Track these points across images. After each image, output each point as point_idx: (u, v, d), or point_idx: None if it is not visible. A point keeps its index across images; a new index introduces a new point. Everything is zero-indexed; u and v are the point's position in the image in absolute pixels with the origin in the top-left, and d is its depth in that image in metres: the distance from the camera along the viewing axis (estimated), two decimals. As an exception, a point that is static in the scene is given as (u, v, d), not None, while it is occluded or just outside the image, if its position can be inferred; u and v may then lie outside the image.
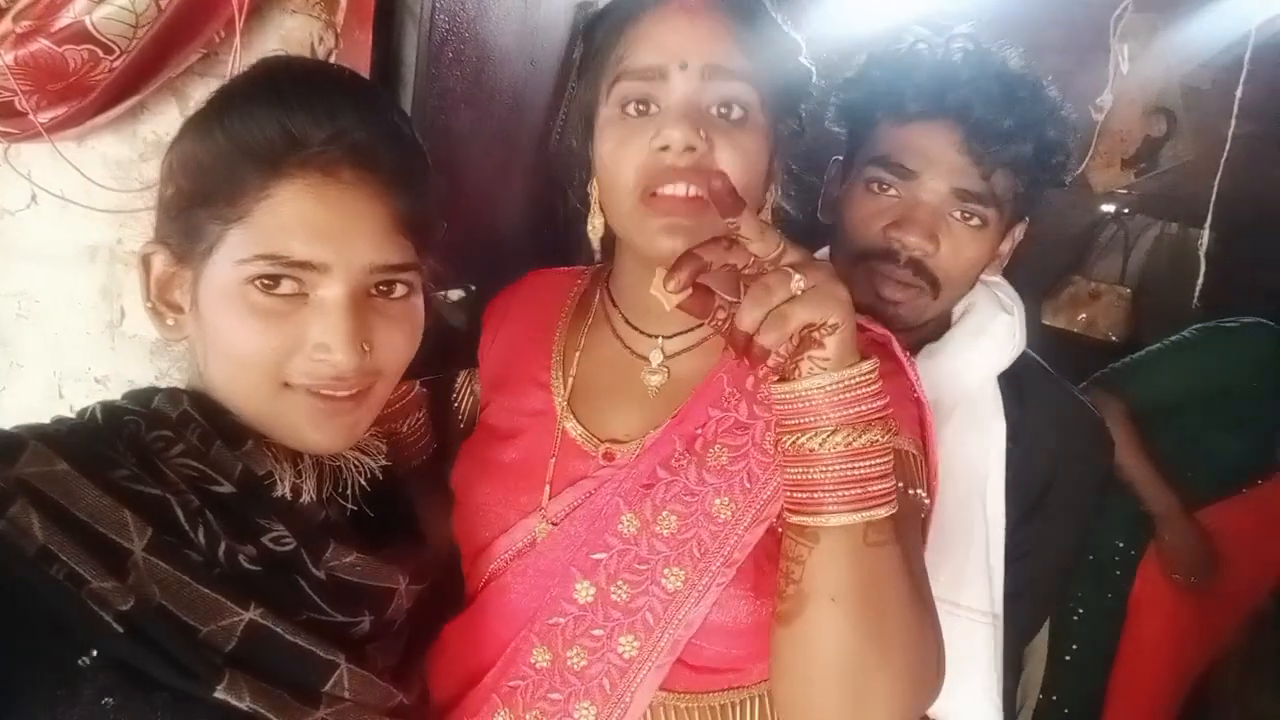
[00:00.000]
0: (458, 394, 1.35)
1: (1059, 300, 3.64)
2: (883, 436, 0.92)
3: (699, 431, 1.11)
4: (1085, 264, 3.75)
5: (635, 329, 1.20)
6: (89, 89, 1.29)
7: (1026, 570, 1.48)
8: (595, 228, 1.15)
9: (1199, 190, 3.15)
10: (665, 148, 1.02)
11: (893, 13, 2.88)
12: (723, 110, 1.05)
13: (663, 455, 1.11)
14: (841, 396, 0.90)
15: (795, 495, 0.94)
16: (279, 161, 0.88)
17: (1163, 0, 2.96)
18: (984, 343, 1.48)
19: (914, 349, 1.45)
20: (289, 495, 0.95)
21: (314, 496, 0.98)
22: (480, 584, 1.19)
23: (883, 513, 0.91)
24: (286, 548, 0.92)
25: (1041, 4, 2.97)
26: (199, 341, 0.95)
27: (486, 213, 1.87)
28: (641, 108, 1.05)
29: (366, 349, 0.92)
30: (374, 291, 0.94)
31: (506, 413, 1.24)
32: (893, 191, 1.38)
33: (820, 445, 0.91)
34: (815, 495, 0.91)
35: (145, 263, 0.95)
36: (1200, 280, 2.56)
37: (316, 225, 0.88)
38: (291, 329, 0.90)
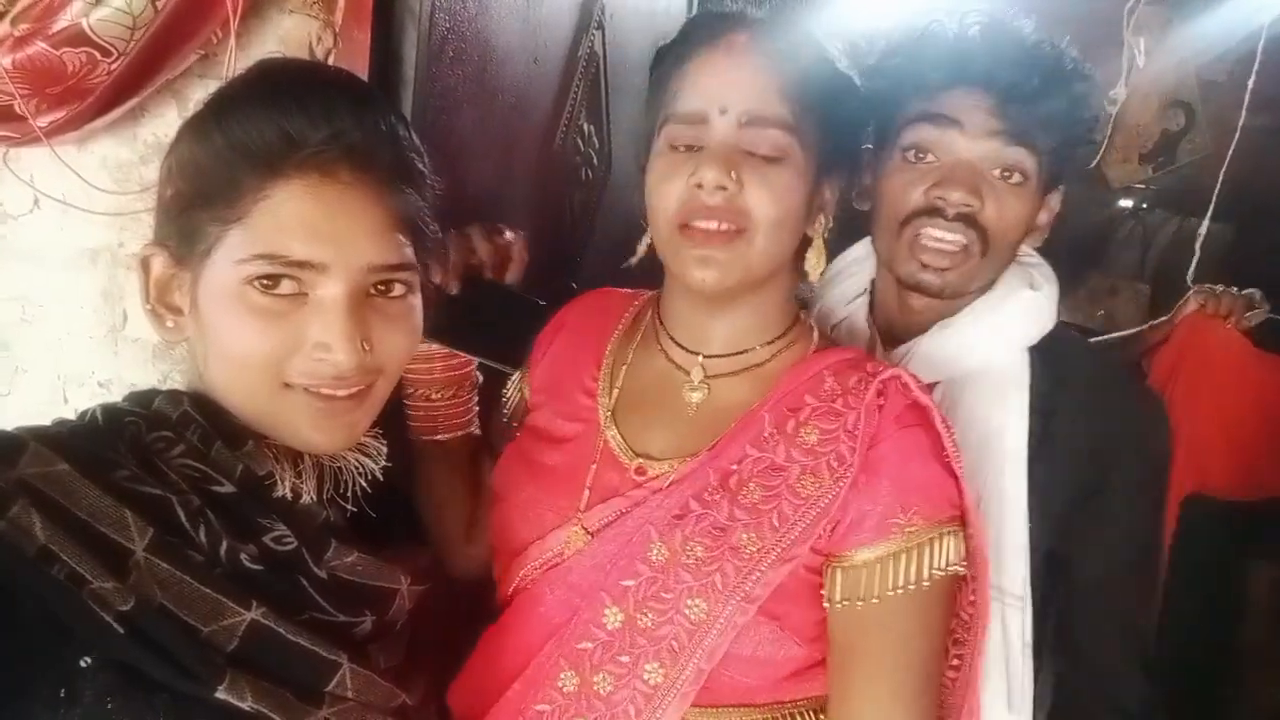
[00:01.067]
0: (508, 392, 1.38)
1: (1077, 297, 3.61)
2: None
3: (735, 468, 1.13)
4: (1103, 260, 3.72)
5: (678, 344, 1.24)
6: (88, 92, 1.29)
7: (1103, 558, 1.43)
8: (642, 245, 1.22)
9: (1216, 184, 3.11)
10: (700, 185, 1.09)
11: (905, 6, 2.88)
12: (762, 151, 1.10)
13: (697, 488, 1.12)
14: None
15: None
16: (277, 162, 0.89)
17: (1177, -7, 2.92)
18: (1001, 316, 1.46)
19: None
20: (289, 496, 0.95)
21: (314, 497, 0.98)
22: (510, 589, 1.21)
23: None
24: (288, 547, 0.92)
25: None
26: (198, 343, 0.95)
27: (490, 213, 1.86)
28: (690, 145, 1.12)
29: (366, 348, 0.93)
30: (373, 291, 0.95)
31: (553, 416, 1.28)
32: (930, 157, 1.40)
33: None
34: None
35: (144, 265, 0.95)
36: (1193, 267, 2.52)
37: (315, 225, 0.89)
38: (291, 329, 0.90)
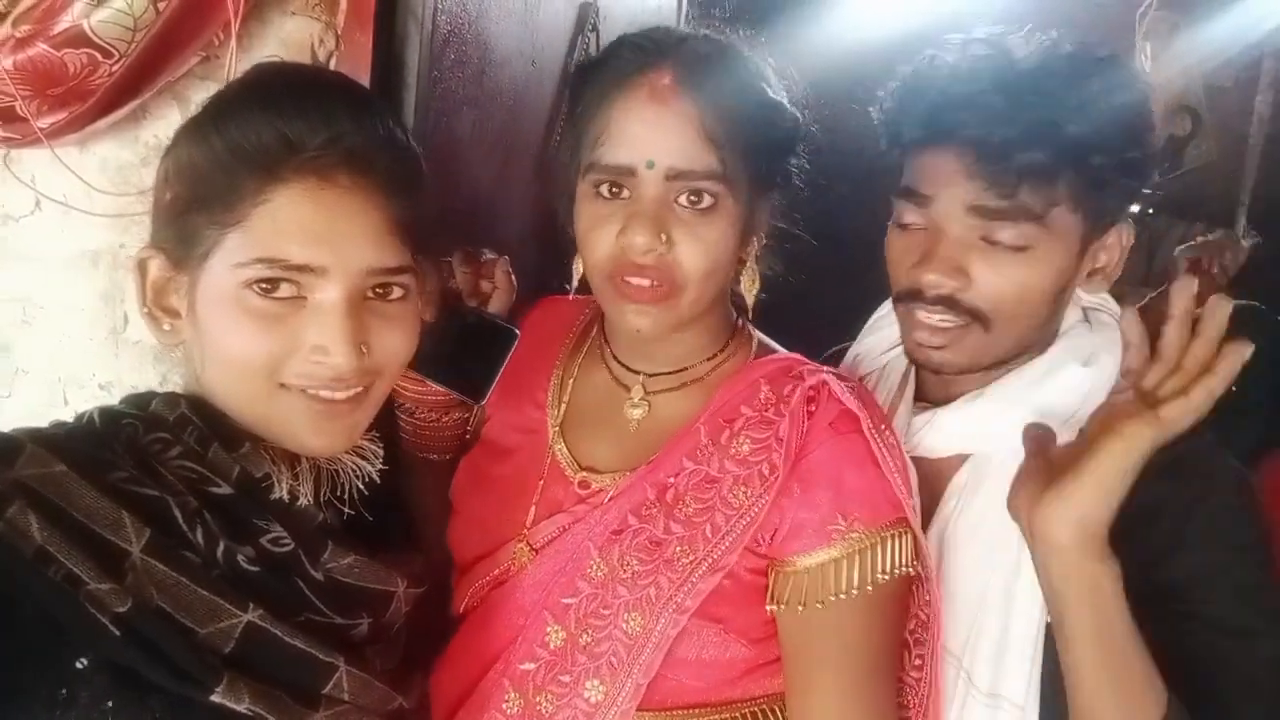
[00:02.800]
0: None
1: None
2: None
3: (671, 481, 1.13)
4: (1108, 265, 3.71)
5: (621, 364, 1.24)
6: (89, 93, 1.29)
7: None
8: (577, 269, 1.18)
9: (1223, 190, 3.10)
10: (625, 238, 1.06)
11: (911, 17, 2.88)
12: (692, 199, 1.07)
13: (635, 502, 1.13)
14: None
15: None
16: (276, 166, 0.89)
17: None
18: (1039, 396, 1.23)
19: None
20: (286, 498, 0.95)
21: (311, 499, 0.98)
22: (463, 605, 1.22)
23: None
24: (285, 549, 0.92)
25: (1060, 4, 2.94)
26: (195, 345, 0.95)
27: (487, 215, 1.86)
28: (615, 190, 1.08)
29: (364, 350, 0.93)
30: (370, 294, 0.95)
31: (504, 428, 1.28)
32: (917, 225, 1.23)
33: None
34: None
35: (141, 268, 0.95)
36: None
37: (314, 229, 0.89)
38: (289, 332, 0.90)
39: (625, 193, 1.08)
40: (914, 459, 1.18)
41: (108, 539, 0.81)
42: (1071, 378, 1.22)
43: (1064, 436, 1.13)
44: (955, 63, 1.22)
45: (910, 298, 1.22)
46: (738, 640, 1.10)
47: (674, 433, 1.16)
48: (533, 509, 1.18)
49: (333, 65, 1.35)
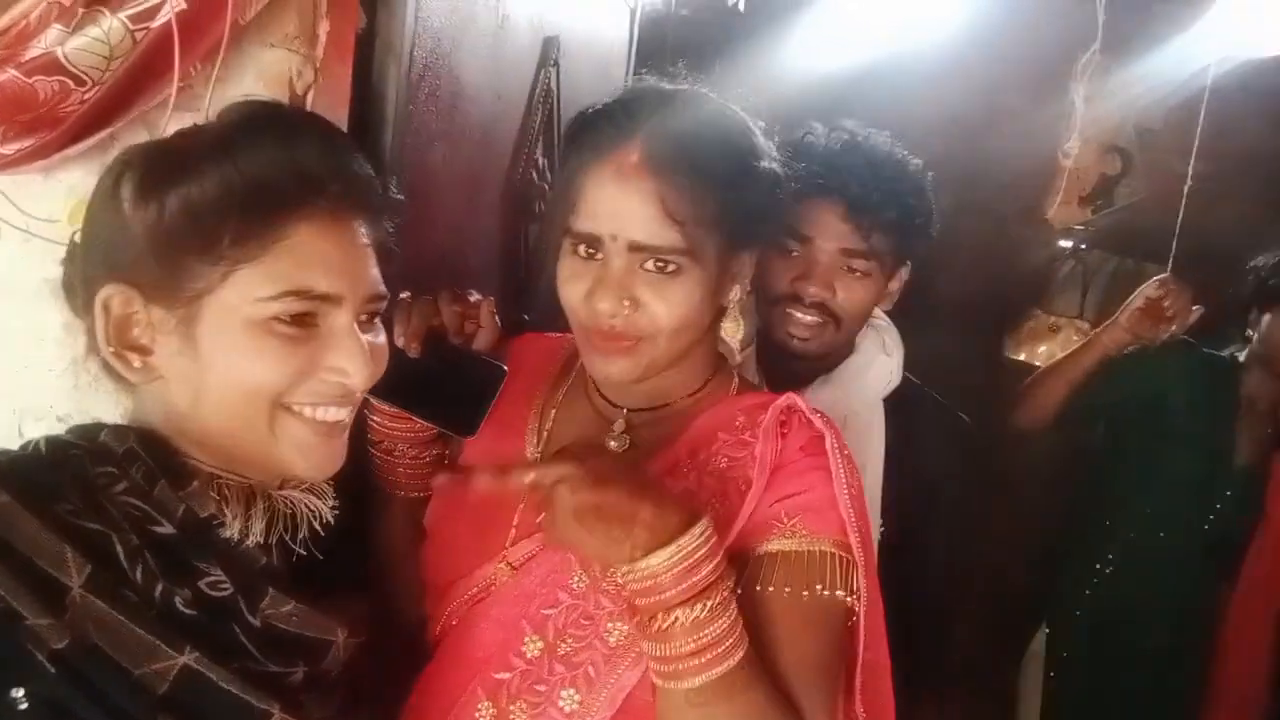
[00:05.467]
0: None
1: (1020, 334, 3.71)
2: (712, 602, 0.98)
3: None
4: (1045, 298, 3.83)
5: (603, 397, 1.28)
6: (59, 121, 1.25)
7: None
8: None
9: (1153, 226, 3.22)
10: (592, 302, 1.14)
11: (857, 55, 2.96)
12: (658, 265, 1.13)
13: None
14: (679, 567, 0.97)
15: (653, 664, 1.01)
16: (296, 204, 0.93)
17: (1116, 42, 3.04)
18: (864, 378, 1.89)
19: (812, 378, 1.87)
20: (236, 537, 0.96)
21: (261, 540, 0.99)
22: (438, 628, 1.23)
23: (699, 680, 0.98)
24: (223, 593, 0.92)
25: (999, 46, 3.04)
26: (184, 379, 0.95)
27: (456, 247, 1.86)
28: (589, 251, 1.15)
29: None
30: (358, 321, 1.00)
31: (483, 455, 1.29)
32: (795, 253, 1.77)
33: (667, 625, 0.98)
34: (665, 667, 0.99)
35: (105, 307, 0.94)
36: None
37: (333, 261, 0.95)
38: (306, 355, 0.95)
39: (599, 255, 1.14)
40: None
41: (49, 573, 0.81)
42: (881, 364, 1.91)
43: (874, 408, 1.87)
44: (832, 139, 1.78)
45: (789, 301, 1.78)
46: None
47: (651, 458, 1.20)
48: (513, 531, 1.21)
49: (310, 98, 1.34)
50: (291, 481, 1.05)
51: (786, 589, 1.09)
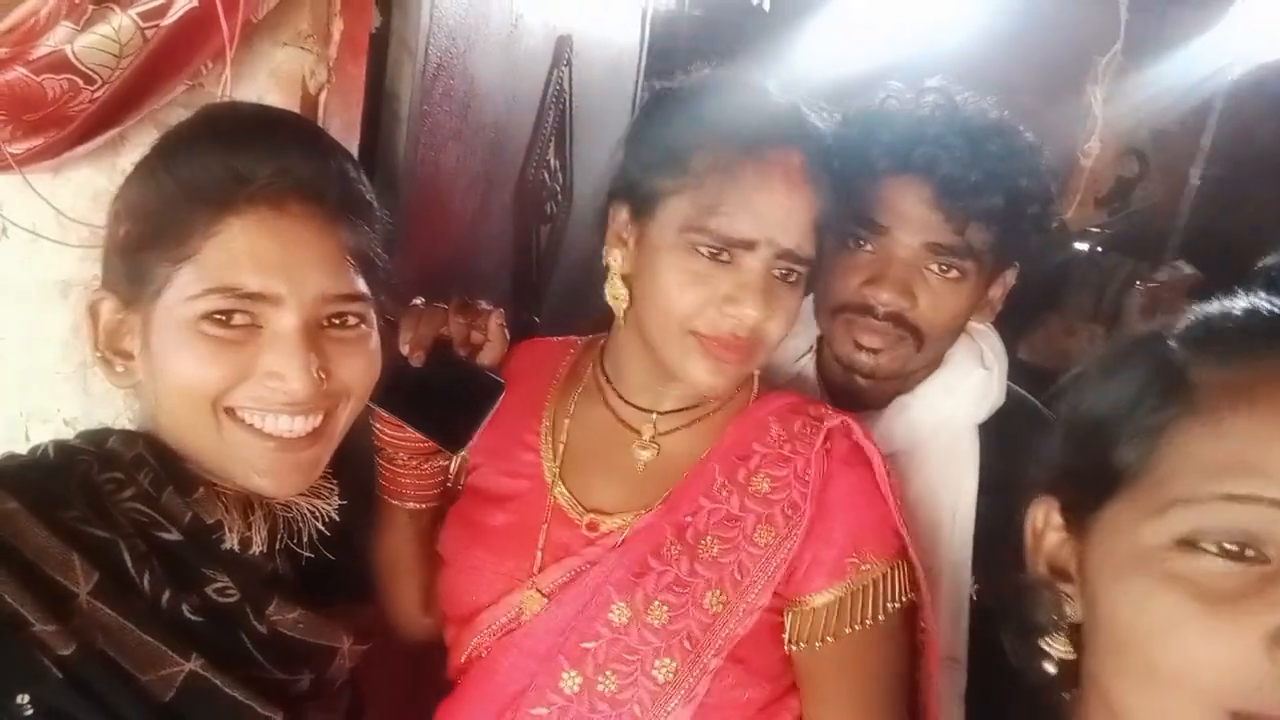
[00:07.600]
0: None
1: (1035, 337, 3.68)
2: None
3: (689, 520, 1.13)
4: (1060, 301, 3.80)
5: (628, 403, 1.22)
6: (68, 120, 1.23)
7: None
8: (618, 298, 1.17)
9: (1167, 228, 3.20)
10: (733, 313, 1.08)
11: (873, 56, 2.94)
12: (785, 273, 1.10)
13: (654, 543, 1.12)
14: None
15: None
16: (226, 199, 0.90)
17: (1134, 44, 3.01)
18: (956, 398, 1.46)
19: (885, 402, 1.47)
20: (237, 547, 0.94)
21: (264, 548, 0.97)
22: (464, 657, 1.18)
23: None
24: (229, 599, 0.91)
25: (1018, 48, 3.01)
26: (149, 384, 0.95)
27: (468, 247, 1.84)
28: (721, 257, 1.07)
29: (322, 375, 0.93)
30: (326, 323, 0.96)
31: (495, 475, 1.25)
32: (868, 247, 1.37)
33: None
34: None
35: (93, 311, 0.95)
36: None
37: (267, 257, 0.90)
38: (244, 358, 0.91)
39: (729, 259, 1.08)
40: None
41: (56, 579, 0.80)
42: (976, 378, 1.46)
43: (967, 435, 1.43)
44: (920, 105, 1.38)
45: (855, 311, 1.38)
46: (758, 680, 1.10)
47: (683, 470, 1.16)
48: (539, 554, 1.16)
49: (324, 97, 1.32)
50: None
51: (868, 621, 1.09)
